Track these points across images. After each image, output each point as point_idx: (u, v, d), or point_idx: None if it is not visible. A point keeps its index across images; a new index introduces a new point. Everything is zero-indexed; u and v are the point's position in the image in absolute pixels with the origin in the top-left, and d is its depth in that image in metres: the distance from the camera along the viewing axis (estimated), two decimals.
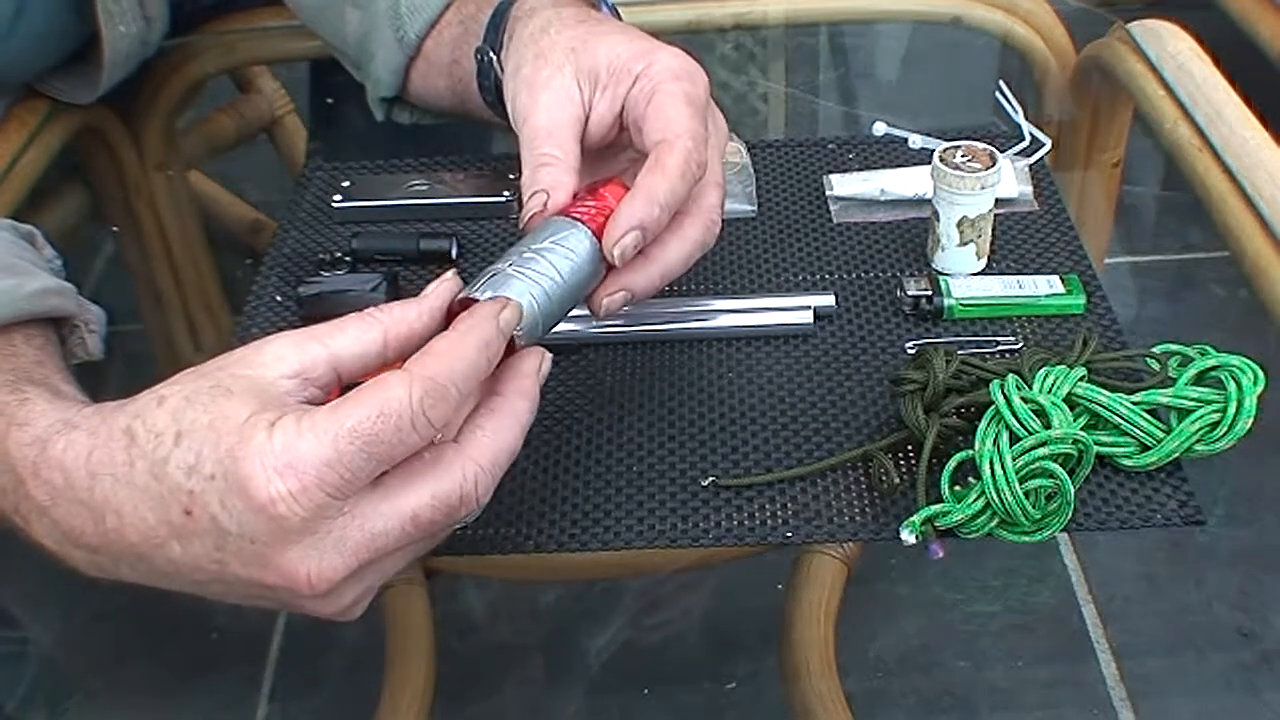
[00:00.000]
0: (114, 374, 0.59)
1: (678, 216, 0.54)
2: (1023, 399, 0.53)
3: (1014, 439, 0.53)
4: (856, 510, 0.56)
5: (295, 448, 0.42)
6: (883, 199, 0.75)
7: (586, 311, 0.67)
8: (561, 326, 0.66)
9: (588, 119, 0.57)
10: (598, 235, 0.52)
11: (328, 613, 0.46)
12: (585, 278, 0.53)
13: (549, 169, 0.55)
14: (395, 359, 0.47)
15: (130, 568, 0.46)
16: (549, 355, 0.50)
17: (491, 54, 0.65)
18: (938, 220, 0.68)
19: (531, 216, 0.54)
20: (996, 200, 0.67)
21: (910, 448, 0.58)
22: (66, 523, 0.46)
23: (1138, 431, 0.55)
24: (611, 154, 0.59)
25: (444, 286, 0.50)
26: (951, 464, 0.54)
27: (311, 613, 0.46)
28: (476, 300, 0.49)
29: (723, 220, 0.64)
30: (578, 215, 0.53)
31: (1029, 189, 0.75)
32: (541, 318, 0.51)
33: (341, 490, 0.42)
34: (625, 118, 0.57)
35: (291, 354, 0.46)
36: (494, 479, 0.46)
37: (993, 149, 0.66)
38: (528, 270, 0.51)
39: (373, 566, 0.45)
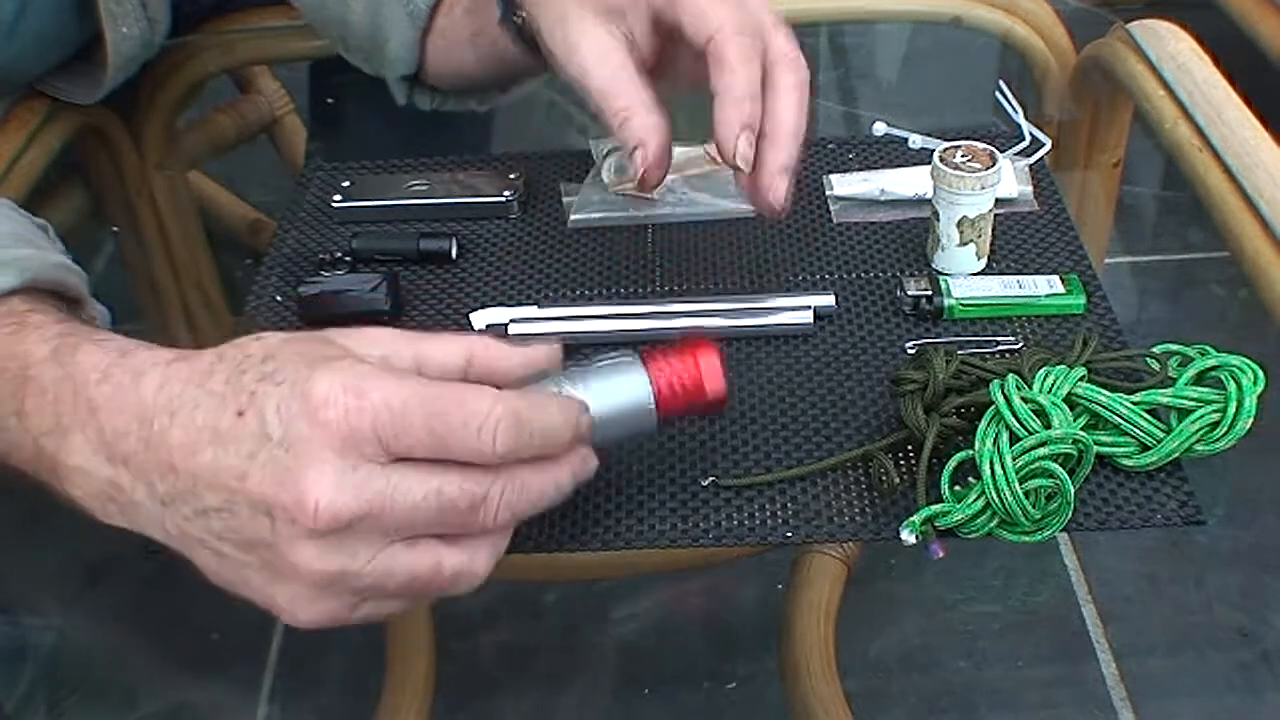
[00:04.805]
0: None
1: (764, 77, 0.56)
2: (1023, 399, 0.53)
3: (1014, 439, 0.53)
4: (856, 510, 0.56)
5: (372, 381, 0.44)
6: (883, 199, 0.75)
7: (586, 312, 0.67)
8: (561, 327, 0.66)
9: (636, 45, 0.59)
10: (655, 385, 0.52)
11: (313, 579, 0.44)
12: (627, 413, 0.52)
13: (629, 122, 0.58)
14: (475, 378, 0.49)
15: (148, 488, 0.46)
16: (595, 461, 0.51)
17: (518, 17, 0.66)
18: (938, 220, 0.68)
19: (641, 174, 0.58)
20: (996, 200, 0.67)
21: (910, 448, 0.58)
22: (111, 425, 0.46)
23: (1138, 431, 0.55)
24: (674, 51, 0.61)
25: (547, 348, 0.52)
26: (951, 464, 0.54)
27: (290, 598, 0.45)
28: None
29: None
30: (653, 360, 0.53)
31: (1029, 189, 0.75)
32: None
33: (387, 437, 0.43)
34: (662, 26, 0.58)
35: (385, 338, 0.49)
36: (516, 505, 0.47)
37: (993, 149, 0.66)
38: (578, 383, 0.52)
39: (375, 544, 0.44)
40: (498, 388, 0.47)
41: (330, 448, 0.43)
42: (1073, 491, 0.52)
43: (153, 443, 0.46)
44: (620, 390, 0.52)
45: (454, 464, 0.45)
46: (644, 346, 0.54)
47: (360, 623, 0.47)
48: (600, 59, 0.58)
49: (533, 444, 0.46)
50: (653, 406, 0.52)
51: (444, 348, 0.49)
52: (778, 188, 0.58)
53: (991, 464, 0.52)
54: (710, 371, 0.53)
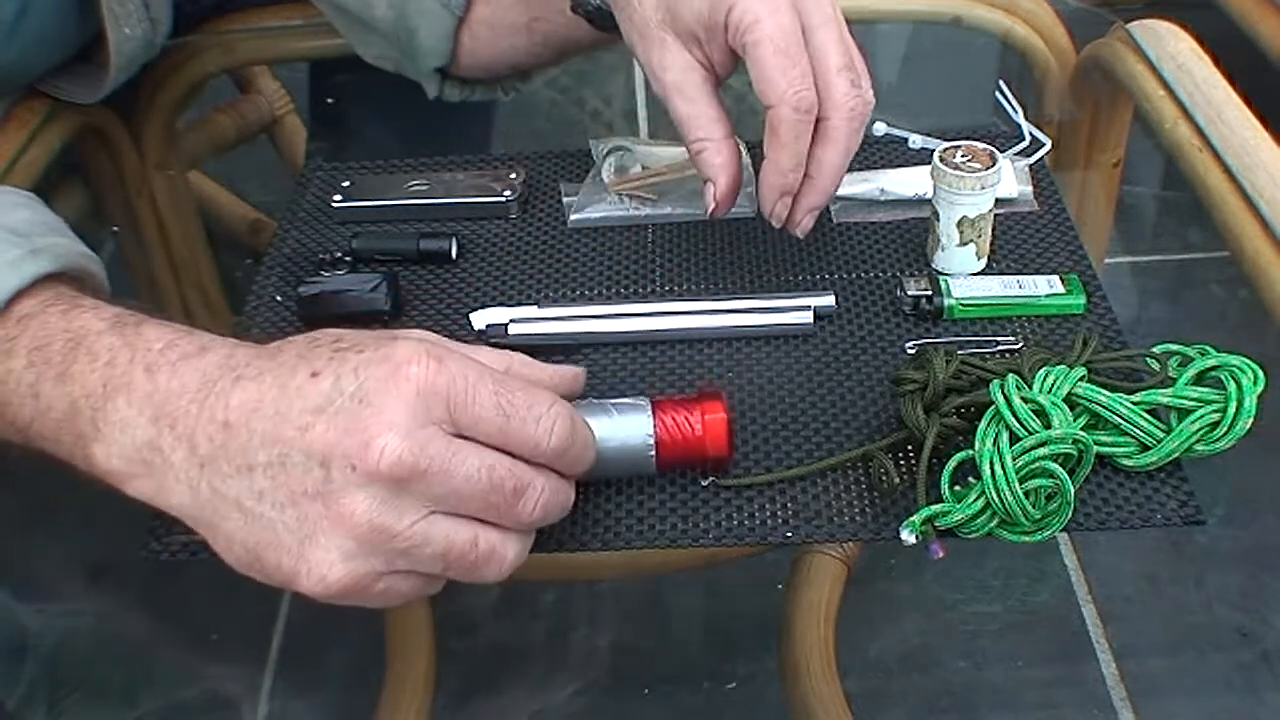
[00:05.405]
0: None
1: (817, 123, 0.60)
2: (1023, 399, 0.53)
3: (1014, 439, 0.53)
4: (856, 510, 0.56)
5: (452, 353, 0.47)
6: (883, 199, 0.75)
7: (586, 312, 0.67)
8: (561, 327, 0.66)
9: (713, 68, 0.62)
10: (658, 436, 0.54)
11: (358, 531, 0.45)
12: (626, 456, 0.55)
13: (703, 155, 0.62)
14: None
15: (189, 449, 0.47)
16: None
17: (595, 2, 0.68)
18: (938, 220, 0.68)
19: (712, 210, 0.64)
20: (996, 200, 0.67)
21: (910, 448, 0.58)
22: (167, 386, 0.48)
23: (1138, 431, 0.55)
24: None
25: (573, 369, 0.56)
26: (951, 464, 0.54)
27: (324, 555, 0.45)
28: None
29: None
30: (661, 410, 0.55)
31: (1029, 189, 0.75)
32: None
33: (458, 404, 0.46)
34: (736, 53, 0.61)
35: (431, 340, 0.50)
36: (548, 507, 0.49)
37: (993, 149, 0.66)
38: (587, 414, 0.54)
39: (422, 509, 0.46)
40: None
41: (405, 402, 0.45)
42: (1073, 491, 0.52)
43: (208, 403, 0.47)
44: (624, 434, 0.54)
45: (505, 454, 0.47)
46: (658, 397, 0.56)
47: (375, 601, 0.47)
48: (679, 87, 0.62)
49: (574, 449, 0.49)
50: (652, 455, 0.55)
51: (484, 357, 0.52)
52: (805, 224, 0.64)
53: (991, 464, 0.52)
54: (713, 433, 0.55)
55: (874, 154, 0.80)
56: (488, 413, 0.47)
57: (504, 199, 0.77)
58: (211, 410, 0.47)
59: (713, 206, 0.64)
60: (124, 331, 0.50)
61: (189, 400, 0.47)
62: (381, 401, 0.45)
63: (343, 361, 0.46)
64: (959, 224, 0.67)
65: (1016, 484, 0.52)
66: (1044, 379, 0.55)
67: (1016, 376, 0.55)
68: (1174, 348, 0.59)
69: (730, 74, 0.63)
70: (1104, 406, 0.55)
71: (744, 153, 0.77)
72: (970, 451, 0.54)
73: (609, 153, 0.77)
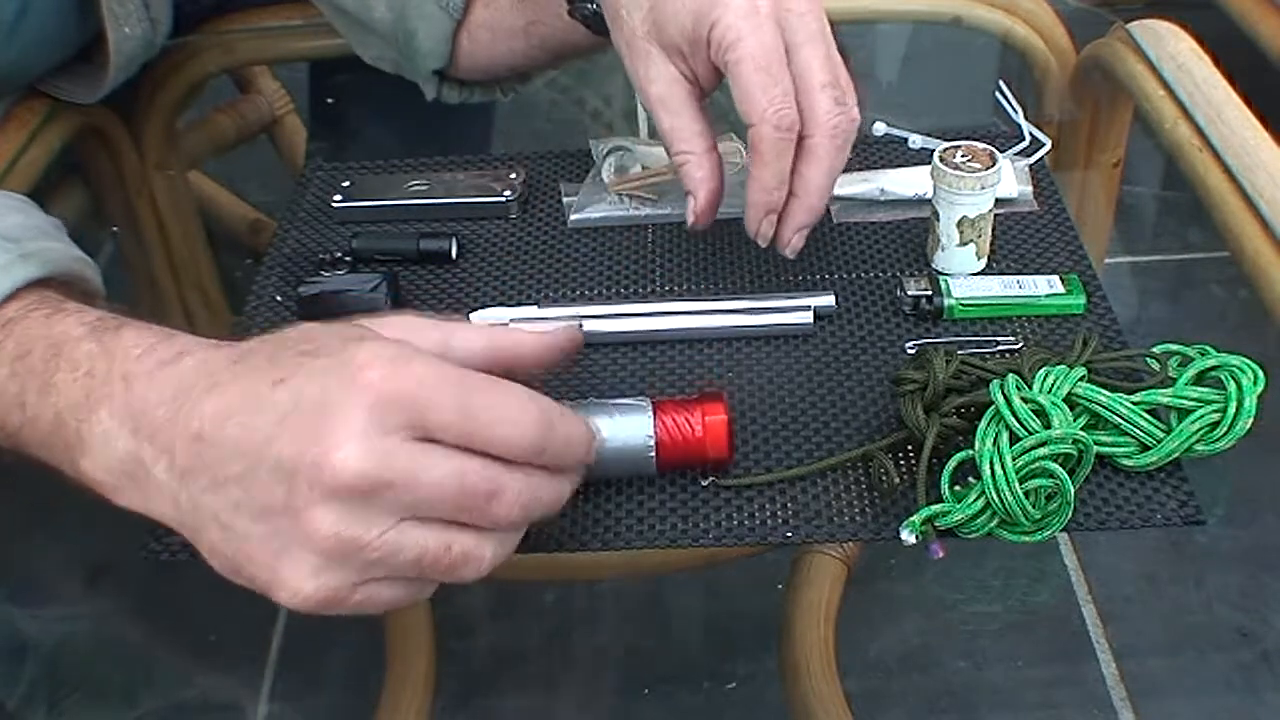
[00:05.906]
0: None
1: (801, 140, 0.60)
2: (1023, 399, 0.53)
3: (1014, 439, 0.53)
4: (856, 510, 0.56)
5: (414, 355, 0.45)
6: (883, 199, 0.75)
7: (586, 312, 0.67)
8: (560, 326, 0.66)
9: (698, 81, 0.62)
10: (658, 437, 0.54)
11: (325, 545, 0.44)
12: (627, 456, 0.55)
13: (685, 168, 0.63)
14: (498, 365, 0.50)
15: (168, 461, 0.46)
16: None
17: (591, 5, 0.68)
18: (938, 220, 0.68)
19: (693, 223, 0.64)
20: (996, 200, 0.67)
21: (910, 448, 0.58)
22: (144, 397, 0.47)
23: (1138, 431, 0.55)
24: None
25: (566, 330, 0.54)
26: (951, 464, 0.54)
27: (295, 570, 0.45)
28: None
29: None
30: (662, 411, 0.55)
31: (1029, 189, 0.75)
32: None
33: (421, 407, 0.44)
34: (719, 69, 0.61)
35: (412, 322, 0.50)
36: (529, 506, 0.47)
37: (993, 149, 0.66)
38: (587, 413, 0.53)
39: (390, 518, 0.45)
40: (523, 377, 0.49)
41: (363, 408, 0.44)
42: (1073, 491, 0.52)
43: (183, 413, 0.46)
44: (625, 434, 0.54)
45: (477, 453, 0.46)
46: (659, 398, 0.56)
47: (355, 610, 0.46)
48: (664, 99, 0.62)
49: (555, 447, 0.48)
50: (652, 456, 0.55)
51: (467, 331, 0.51)
52: (795, 243, 0.63)
53: (991, 464, 0.52)
54: (714, 435, 0.55)
55: (874, 154, 0.80)
56: (451, 416, 0.45)
57: (504, 199, 0.77)
58: (186, 421, 0.46)
59: (692, 220, 0.64)
60: (103, 337, 0.50)
61: (164, 411, 0.47)
62: (340, 410, 0.44)
63: (303, 368, 0.45)
64: (959, 224, 0.67)
65: (1016, 484, 0.52)
66: (1044, 379, 0.55)
67: (1016, 376, 0.55)
68: (1174, 348, 0.59)
69: (715, 87, 0.63)
70: (1104, 406, 0.55)
71: (744, 153, 0.77)
72: (970, 451, 0.54)
73: (609, 153, 0.77)
